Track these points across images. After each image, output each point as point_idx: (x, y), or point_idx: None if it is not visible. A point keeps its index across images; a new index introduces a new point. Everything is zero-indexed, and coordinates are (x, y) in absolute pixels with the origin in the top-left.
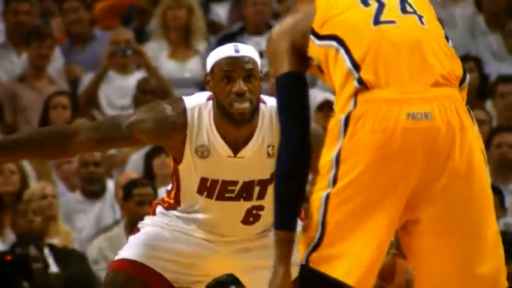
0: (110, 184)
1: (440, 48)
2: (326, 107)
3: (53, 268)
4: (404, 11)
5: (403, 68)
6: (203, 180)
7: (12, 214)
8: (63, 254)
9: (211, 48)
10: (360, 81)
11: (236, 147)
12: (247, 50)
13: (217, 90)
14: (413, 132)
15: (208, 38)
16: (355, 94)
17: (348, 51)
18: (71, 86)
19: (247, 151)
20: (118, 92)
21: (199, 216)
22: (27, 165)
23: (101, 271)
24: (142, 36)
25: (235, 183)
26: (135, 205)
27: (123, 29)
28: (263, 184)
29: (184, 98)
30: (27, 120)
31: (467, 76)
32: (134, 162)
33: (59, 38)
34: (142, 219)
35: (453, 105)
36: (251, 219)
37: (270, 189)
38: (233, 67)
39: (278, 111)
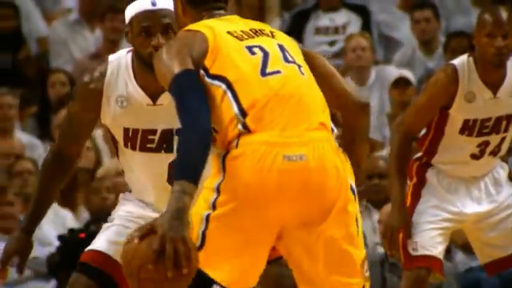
0: None
1: (317, 97)
2: (401, 83)
3: None
4: (286, 60)
5: (285, 116)
6: (125, 131)
7: (86, 191)
8: None
9: (285, 25)
10: (245, 126)
11: (155, 95)
12: (164, 2)
13: (136, 43)
14: (288, 173)
15: (283, 15)
16: (238, 136)
17: (235, 97)
18: None
19: (165, 97)
20: None
21: (135, 182)
22: (101, 142)
23: None
24: None
25: (154, 131)
26: None
27: None
28: None
29: (110, 55)
30: None
31: (334, 128)
32: None
33: None
34: None
35: (328, 146)
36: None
37: None
38: (151, 21)
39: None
